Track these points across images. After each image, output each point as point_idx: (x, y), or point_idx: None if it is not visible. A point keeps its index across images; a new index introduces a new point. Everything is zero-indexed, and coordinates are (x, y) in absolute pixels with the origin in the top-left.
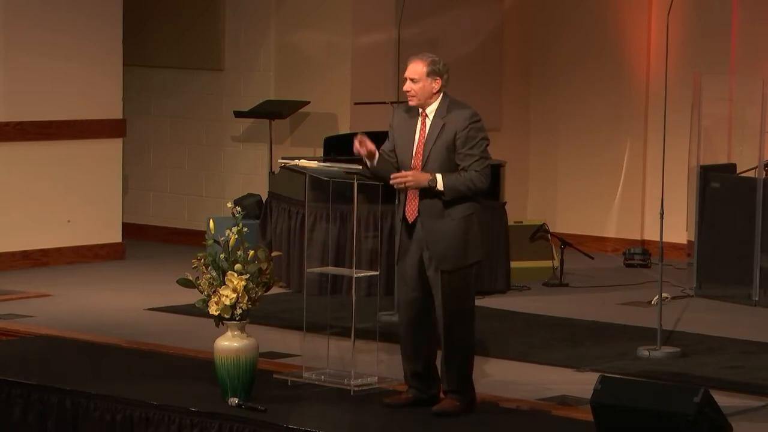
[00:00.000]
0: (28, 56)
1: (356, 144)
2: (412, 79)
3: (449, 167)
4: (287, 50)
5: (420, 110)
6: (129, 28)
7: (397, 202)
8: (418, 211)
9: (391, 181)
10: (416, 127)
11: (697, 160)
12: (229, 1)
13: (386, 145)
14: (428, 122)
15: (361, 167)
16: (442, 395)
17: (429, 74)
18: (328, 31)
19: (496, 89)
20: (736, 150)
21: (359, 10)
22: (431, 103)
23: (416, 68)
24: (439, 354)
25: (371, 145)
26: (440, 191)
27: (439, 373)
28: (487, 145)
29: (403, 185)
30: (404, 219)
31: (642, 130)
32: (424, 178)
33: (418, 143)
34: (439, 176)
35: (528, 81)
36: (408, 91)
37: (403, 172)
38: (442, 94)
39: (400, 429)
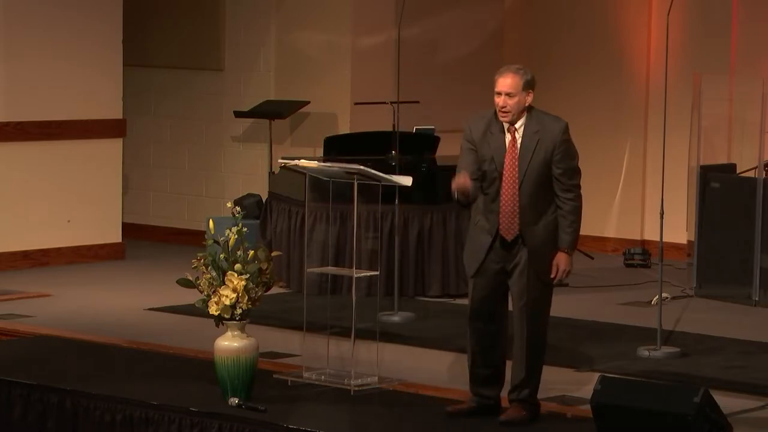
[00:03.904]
0: (28, 56)
1: (458, 182)
2: (508, 94)
3: (545, 181)
4: (287, 50)
5: (506, 125)
6: (129, 28)
7: (474, 207)
8: (520, 230)
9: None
10: (504, 142)
11: (697, 160)
12: (229, 1)
13: (467, 165)
14: (518, 137)
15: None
16: (507, 404)
17: (524, 88)
18: (328, 31)
19: None
20: (736, 150)
21: (359, 10)
22: (520, 118)
23: (512, 82)
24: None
25: (469, 184)
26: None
27: (512, 383)
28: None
29: (565, 276)
30: (497, 236)
31: (642, 130)
32: (569, 258)
33: (512, 160)
34: (565, 243)
35: None
36: (503, 107)
37: (559, 276)
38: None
39: (400, 429)
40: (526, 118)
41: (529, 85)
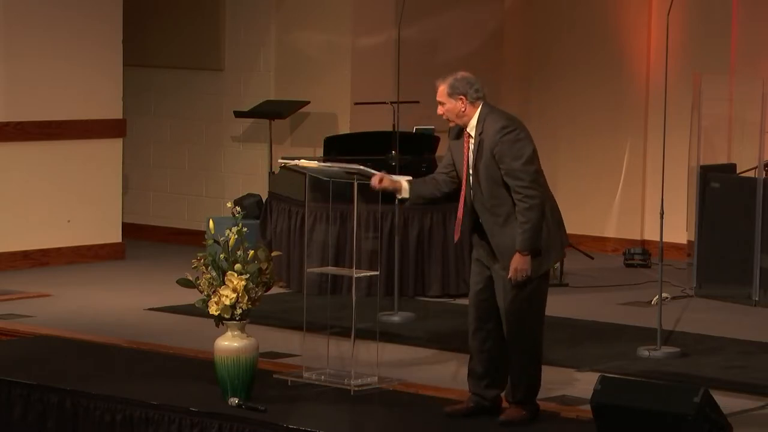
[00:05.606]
0: (28, 56)
1: (374, 182)
2: (439, 102)
3: (499, 182)
4: (287, 50)
5: (464, 128)
6: (129, 28)
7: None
8: (481, 225)
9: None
10: (464, 146)
11: (697, 160)
12: (229, 1)
13: (445, 161)
14: (471, 141)
15: (367, 170)
16: (506, 404)
17: (450, 95)
18: (328, 31)
19: (496, 90)
20: (736, 150)
21: (359, 10)
22: (468, 121)
23: (440, 91)
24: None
25: (387, 183)
26: (532, 250)
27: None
28: (531, 152)
29: (524, 278)
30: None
31: (642, 130)
32: (524, 259)
33: (466, 164)
34: (518, 245)
35: (528, 81)
36: (440, 114)
37: (514, 277)
38: (479, 108)
39: (400, 429)
40: (477, 121)
41: (456, 92)
